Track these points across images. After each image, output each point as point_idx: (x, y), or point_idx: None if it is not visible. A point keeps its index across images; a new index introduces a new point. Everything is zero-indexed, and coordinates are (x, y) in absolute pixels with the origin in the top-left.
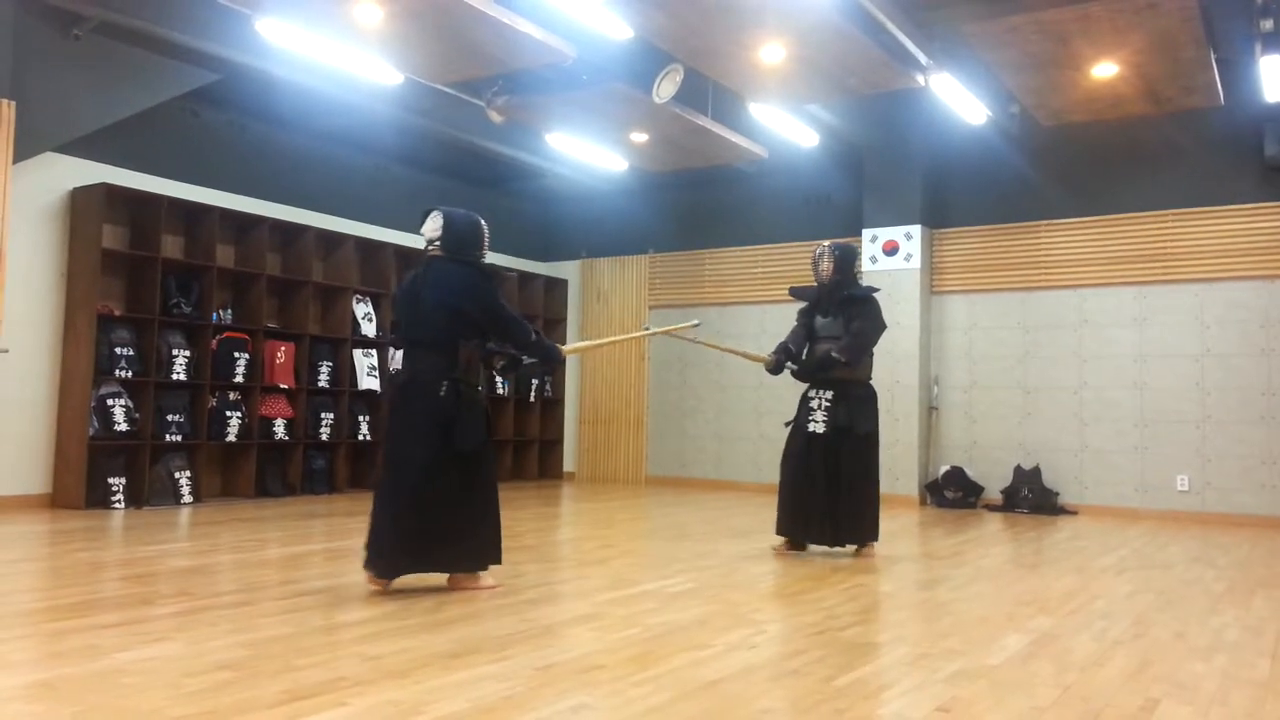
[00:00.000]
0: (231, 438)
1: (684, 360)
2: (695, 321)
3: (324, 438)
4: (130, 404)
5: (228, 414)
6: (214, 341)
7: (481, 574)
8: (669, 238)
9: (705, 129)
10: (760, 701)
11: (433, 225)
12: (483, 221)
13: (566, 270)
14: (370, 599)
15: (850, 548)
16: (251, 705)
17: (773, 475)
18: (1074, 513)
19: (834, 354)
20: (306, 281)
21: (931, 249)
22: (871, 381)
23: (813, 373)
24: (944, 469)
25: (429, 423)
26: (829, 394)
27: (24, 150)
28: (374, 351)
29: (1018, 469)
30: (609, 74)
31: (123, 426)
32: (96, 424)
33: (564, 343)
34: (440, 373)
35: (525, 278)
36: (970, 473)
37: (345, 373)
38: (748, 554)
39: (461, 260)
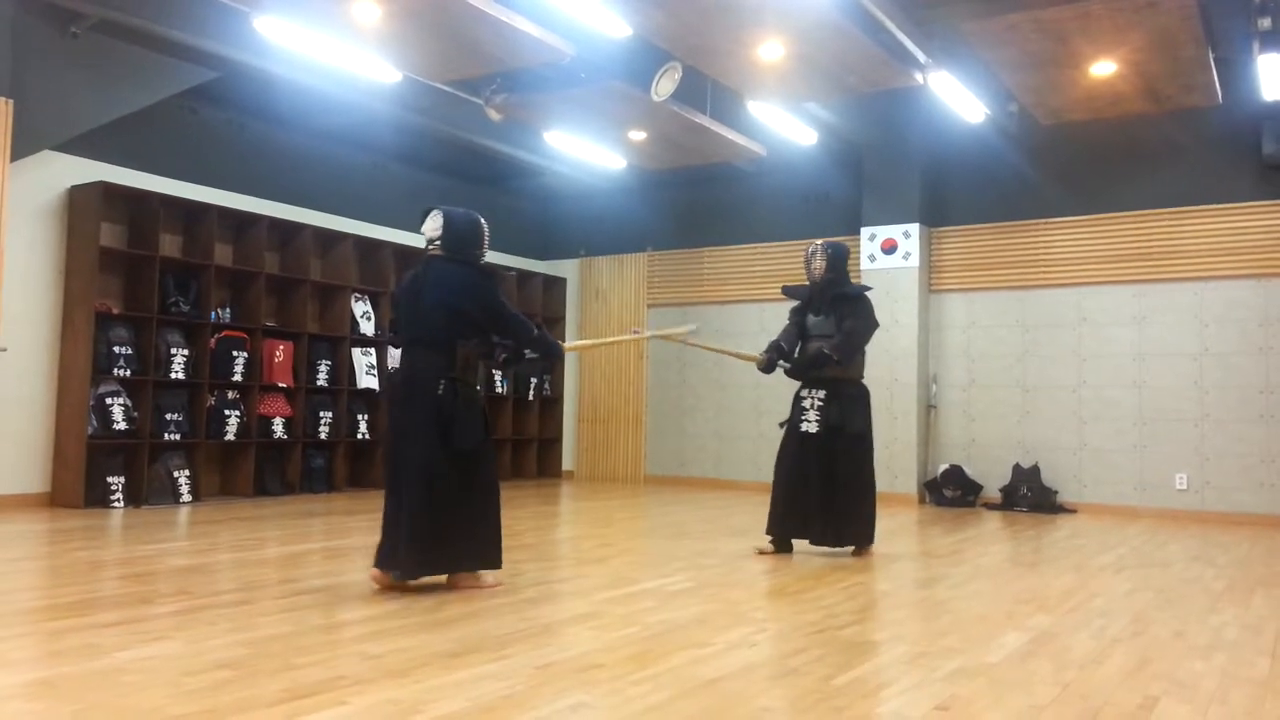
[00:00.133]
0: (230, 436)
1: (683, 359)
2: (692, 326)
3: (323, 436)
4: (129, 403)
5: (226, 413)
6: (212, 340)
7: (482, 573)
8: (668, 236)
9: (704, 127)
10: (759, 700)
11: (433, 224)
12: (483, 220)
13: (565, 268)
14: (370, 598)
15: (848, 547)
16: (251, 704)
17: (772, 475)
18: (1073, 511)
19: (825, 350)
20: (305, 280)
21: (930, 247)
22: (864, 380)
23: (804, 370)
24: (943, 467)
25: (427, 421)
26: (821, 393)
27: (22, 148)
28: (372, 350)
29: (1016, 467)
30: (607, 72)
31: (121, 425)
32: (95, 423)
33: (563, 341)
34: (438, 371)
35: (524, 276)
36: (969, 471)
37: (344, 371)
38: (747, 553)
39: (461, 260)
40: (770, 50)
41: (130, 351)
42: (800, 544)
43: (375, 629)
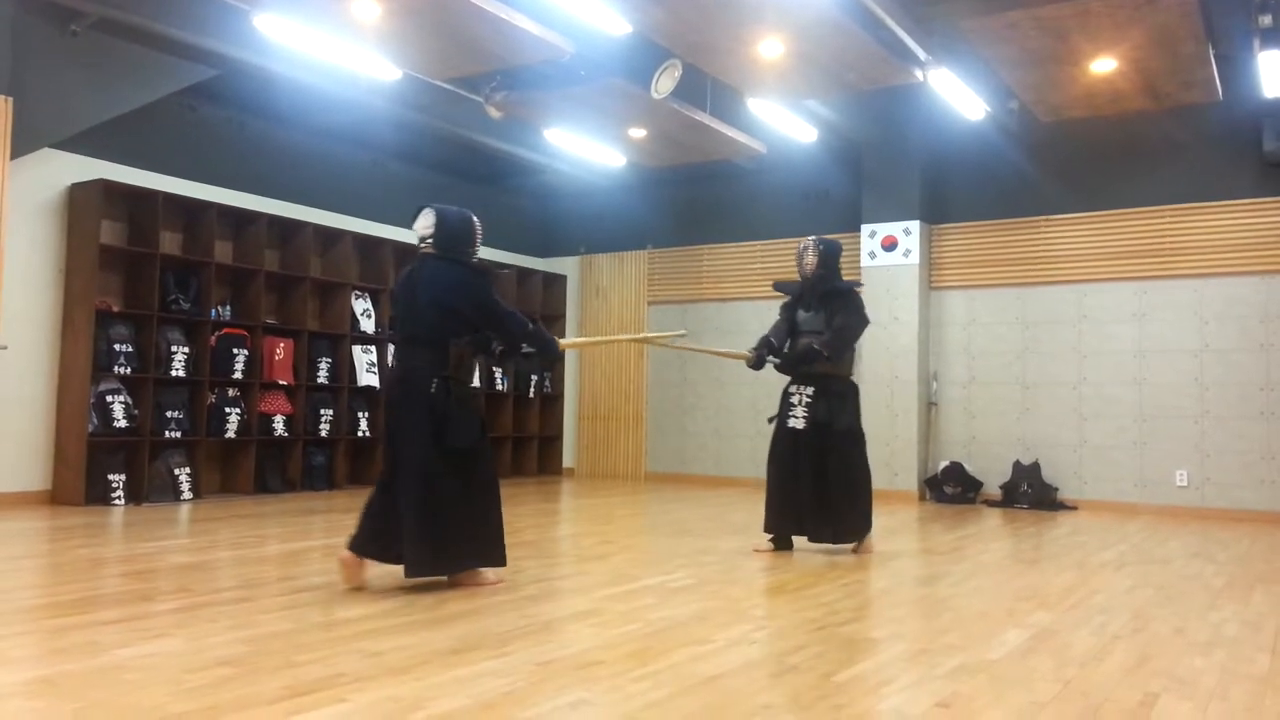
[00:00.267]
0: (231, 434)
1: (683, 357)
2: (682, 331)
3: (323, 434)
4: (129, 400)
5: (227, 410)
6: (213, 338)
7: (483, 570)
8: (668, 233)
9: (704, 124)
10: (760, 697)
11: (425, 223)
12: (475, 218)
13: (565, 266)
14: (371, 596)
15: (846, 544)
16: (252, 701)
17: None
18: (1073, 508)
19: (815, 345)
20: (305, 277)
21: (930, 244)
22: (853, 377)
23: (794, 365)
24: (943, 464)
25: (421, 420)
26: (810, 390)
27: (22, 146)
28: (373, 347)
29: (1017, 464)
30: (607, 69)
31: (122, 423)
32: (96, 420)
33: (562, 337)
34: (432, 370)
35: (524, 273)
36: (969, 468)
37: (344, 369)
38: (747, 550)
39: (454, 258)
40: (770, 48)
41: (131, 349)
42: (800, 541)
43: (376, 626)
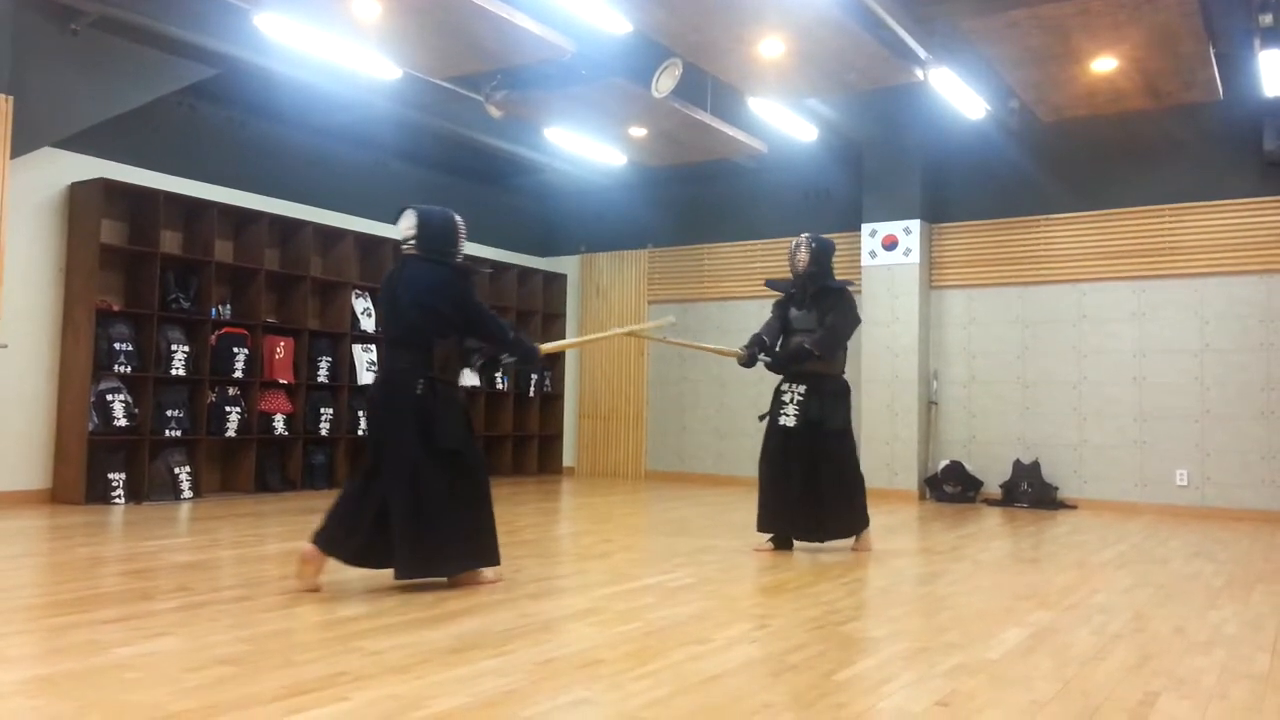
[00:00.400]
0: (231, 433)
1: (683, 355)
2: (670, 319)
3: (323, 433)
4: (129, 399)
5: (227, 409)
6: (213, 337)
7: (482, 570)
8: (668, 233)
9: (704, 124)
10: (760, 696)
11: (407, 224)
12: (458, 218)
13: (566, 265)
14: (371, 595)
15: (844, 543)
16: (252, 700)
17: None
18: (1073, 507)
19: (807, 345)
20: (305, 277)
21: (931, 244)
22: (845, 376)
23: (785, 364)
24: (943, 464)
25: (408, 421)
26: (801, 388)
27: (22, 145)
28: (373, 347)
29: (1017, 463)
30: (608, 69)
31: (122, 422)
32: (96, 419)
33: (563, 337)
34: (417, 371)
35: (524, 273)
36: (969, 467)
37: (344, 368)
38: (747, 549)
39: (436, 258)
40: (771, 47)
41: (131, 348)
42: (799, 540)
43: (376, 625)
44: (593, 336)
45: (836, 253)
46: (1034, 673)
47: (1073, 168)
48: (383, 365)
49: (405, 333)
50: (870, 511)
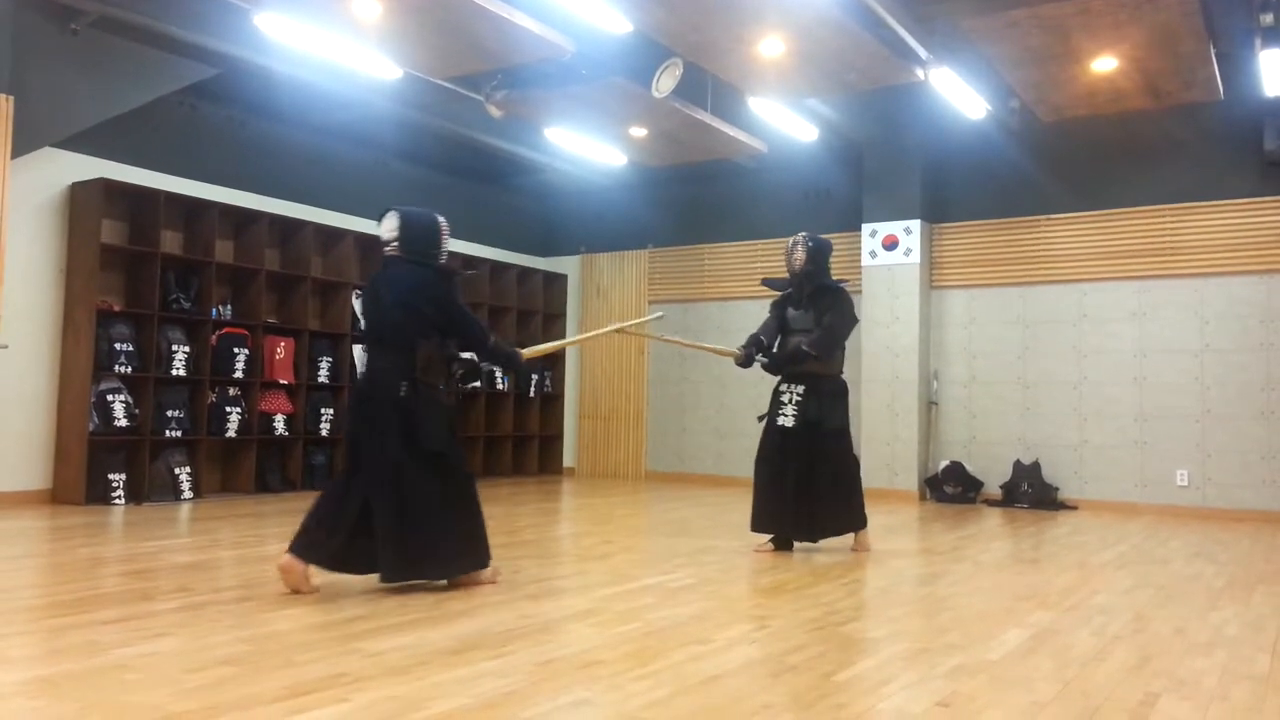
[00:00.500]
0: (231, 433)
1: (683, 355)
2: (659, 314)
3: (324, 433)
4: (130, 399)
5: (227, 409)
6: (213, 337)
7: (480, 571)
8: (668, 233)
9: (704, 123)
10: (760, 697)
11: (389, 226)
12: (441, 219)
13: (566, 265)
14: (371, 595)
15: (843, 543)
16: (253, 701)
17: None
18: (1074, 508)
19: (804, 346)
20: (305, 277)
21: (931, 244)
22: (843, 376)
23: (782, 365)
24: (943, 464)
25: (390, 423)
26: (800, 388)
27: (22, 145)
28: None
29: (1017, 464)
30: (608, 68)
31: (123, 422)
32: (96, 419)
33: (563, 337)
34: (400, 373)
35: (524, 273)
36: (970, 468)
37: (345, 368)
38: (747, 549)
39: (418, 260)
40: (771, 46)
41: (131, 348)
42: (800, 541)
43: (376, 626)
44: (579, 337)
45: (837, 252)
46: (1034, 674)
47: (1073, 168)
48: (366, 367)
49: (388, 334)
50: (870, 512)
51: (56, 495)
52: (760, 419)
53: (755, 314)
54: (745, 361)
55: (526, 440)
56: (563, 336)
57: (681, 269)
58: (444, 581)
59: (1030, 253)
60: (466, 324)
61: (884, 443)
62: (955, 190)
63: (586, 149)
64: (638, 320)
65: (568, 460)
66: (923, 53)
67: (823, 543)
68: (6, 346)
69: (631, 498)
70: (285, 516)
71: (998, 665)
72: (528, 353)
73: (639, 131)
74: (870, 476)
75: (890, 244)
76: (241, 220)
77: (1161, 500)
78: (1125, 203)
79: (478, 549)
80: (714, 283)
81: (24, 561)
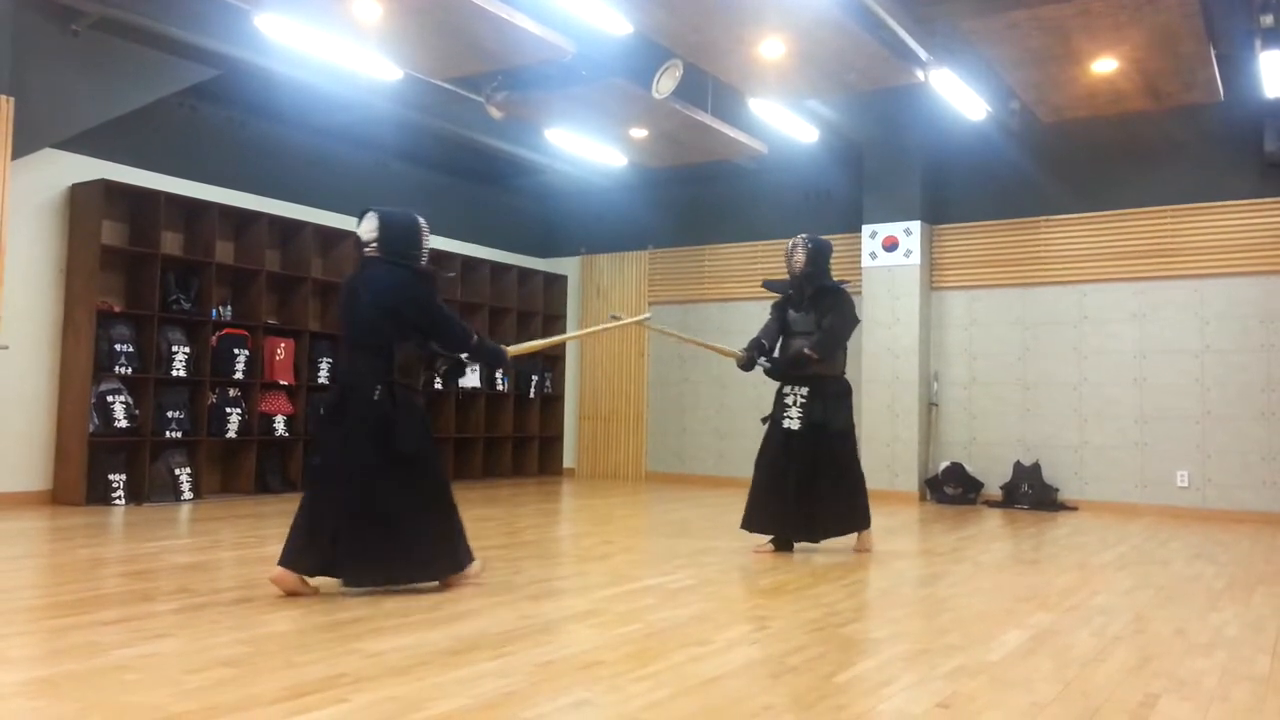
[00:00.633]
0: (231, 434)
1: (683, 356)
2: (647, 314)
3: None
4: (130, 400)
5: (228, 410)
6: (214, 338)
7: (468, 568)
8: (669, 233)
9: (705, 124)
10: (760, 698)
11: (368, 226)
12: (421, 220)
13: (566, 266)
14: (371, 596)
15: (844, 544)
16: (252, 702)
17: None
18: (1074, 509)
19: (806, 351)
20: (306, 278)
21: (931, 245)
22: (846, 376)
23: (785, 371)
24: (944, 465)
25: (363, 427)
26: (804, 390)
27: (23, 146)
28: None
29: (1017, 465)
30: (608, 70)
31: (123, 423)
32: (96, 420)
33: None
34: (376, 375)
35: (524, 273)
36: (970, 469)
37: None
38: (747, 550)
39: (397, 261)
40: (771, 48)
41: (131, 349)
42: (800, 542)
43: (376, 627)
44: (566, 336)
45: (838, 253)
46: (1034, 674)
47: (1073, 169)
48: (342, 369)
49: (364, 335)
50: (871, 513)
51: (57, 496)
52: (764, 420)
53: (755, 315)
54: (747, 365)
55: (526, 441)
56: (569, 331)
57: (682, 270)
58: (436, 582)
59: (1030, 254)
60: (448, 325)
61: (884, 444)
62: (955, 191)
63: (587, 150)
64: (629, 320)
65: (568, 461)
66: (923, 54)
67: (823, 543)
68: (7, 347)
69: (631, 499)
70: (285, 517)
71: (998, 666)
72: (514, 350)
73: (639, 132)
74: (870, 477)
75: (890, 245)
76: (242, 221)
77: (1162, 501)
78: (1125, 204)
79: (454, 552)
80: (714, 284)
81: (24, 562)
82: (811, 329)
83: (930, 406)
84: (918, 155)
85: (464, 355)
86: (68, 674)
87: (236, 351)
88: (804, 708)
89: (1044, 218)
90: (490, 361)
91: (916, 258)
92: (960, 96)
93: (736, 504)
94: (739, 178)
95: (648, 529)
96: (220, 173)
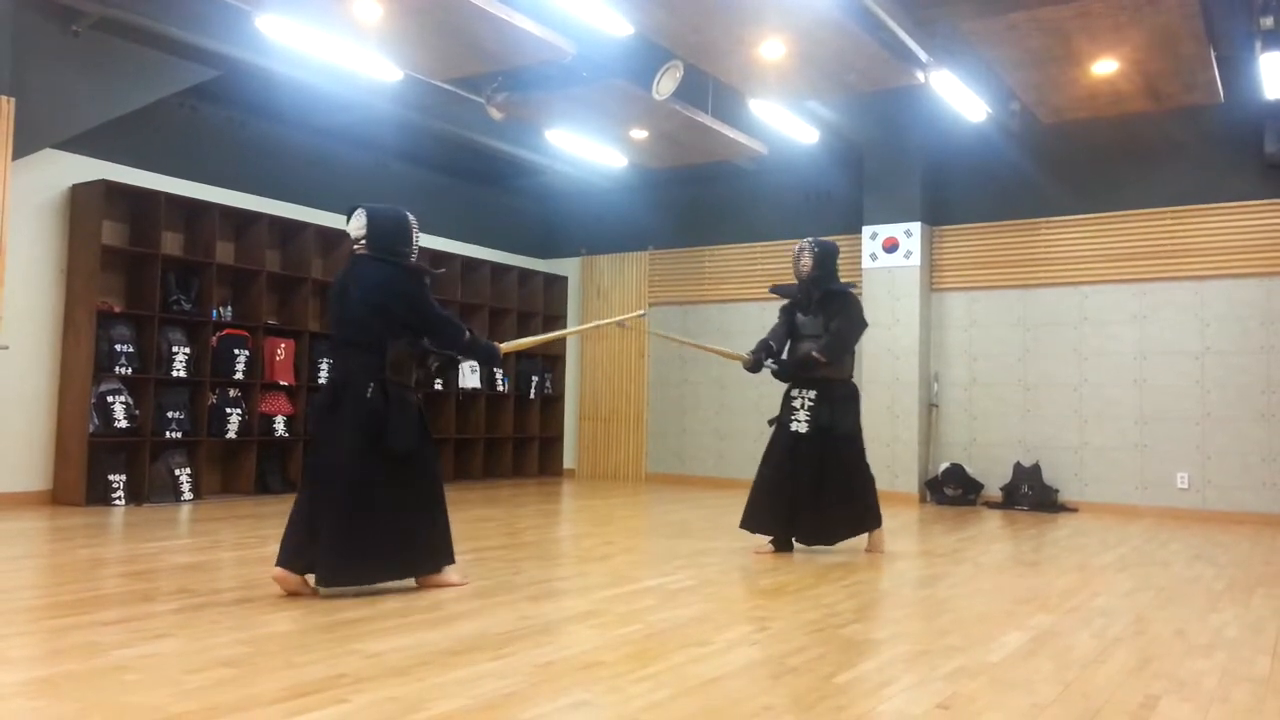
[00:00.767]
0: (231, 434)
1: (684, 357)
2: (641, 311)
3: None
4: (130, 401)
5: (228, 411)
6: (214, 338)
7: (446, 572)
8: (669, 234)
9: (705, 125)
10: (760, 699)
11: (357, 224)
12: (411, 217)
13: (566, 267)
14: (371, 596)
15: (848, 545)
16: (252, 702)
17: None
18: (1074, 510)
19: (814, 353)
20: (306, 278)
21: (931, 246)
22: (853, 379)
23: (792, 373)
24: (944, 466)
25: (356, 425)
26: (812, 393)
27: (23, 146)
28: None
29: (1017, 466)
30: (609, 70)
31: (123, 423)
32: (97, 421)
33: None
34: (369, 373)
35: (525, 274)
36: (970, 470)
37: None
38: (748, 551)
39: (385, 258)
40: (772, 49)
41: (132, 349)
42: (801, 543)
43: (376, 627)
44: (563, 332)
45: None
46: (1035, 676)
47: (1073, 170)
48: (334, 367)
49: (356, 332)
50: (882, 513)
51: (57, 496)
52: (771, 423)
53: (756, 316)
54: (754, 367)
55: (527, 442)
56: (561, 340)
57: (682, 271)
58: (414, 582)
59: (1030, 255)
60: (440, 322)
61: (884, 445)
62: (956, 192)
63: (587, 151)
64: (621, 318)
65: (568, 462)
66: (923, 55)
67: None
68: (7, 347)
69: (632, 499)
70: (285, 518)
71: (998, 667)
72: (506, 347)
73: (639, 133)
74: None
75: (890, 246)
76: (242, 221)
77: (1162, 503)
78: (1126, 205)
79: (433, 553)
80: (714, 285)
81: (24, 562)
82: (819, 332)
83: (930, 407)
84: (918, 156)
85: (456, 352)
86: (68, 674)
87: (237, 352)
88: (804, 709)
89: (1044, 219)
90: (483, 358)
91: (917, 259)
92: (960, 98)
93: (737, 505)
94: (739, 179)
95: (648, 530)
96: (220, 173)
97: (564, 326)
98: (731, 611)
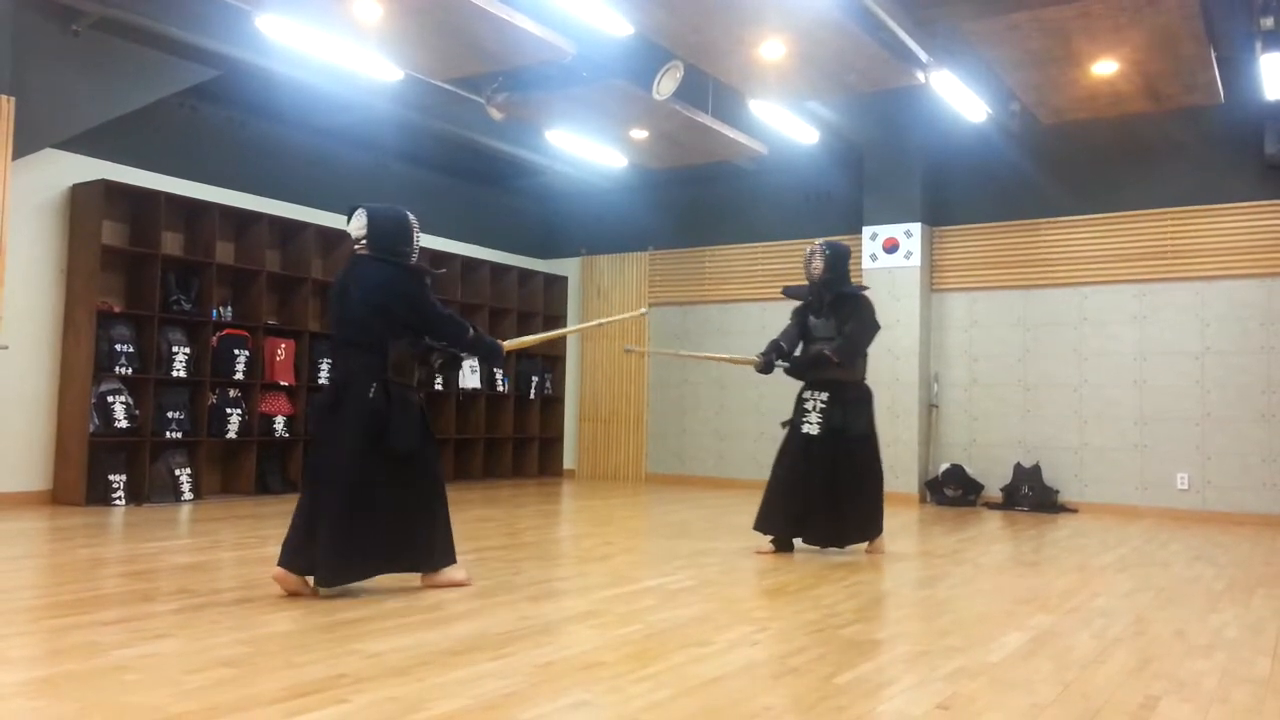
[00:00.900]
0: (232, 435)
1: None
2: (642, 310)
3: None
4: (130, 401)
5: (228, 411)
6: (214, 338)
7: (448, 570)
8: (669, 235)
9: (705, 126)
10: (761, 699)
11: (357, 224)
12: (411, 217)
13: (566, 267)
14: (371, 596)
15: (851, 547)
16: (252, 702)
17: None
18: (1074, 510)
19: (827, 353)
20: (306, 278)
21: (932, 246)
22: (866, 381)
23: (805, 371)
24: (944, 467)
25: (358, 425)
26: (824, 395)
27: (23, 146)
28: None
29: (1018, 467)
30: (609, 71)
31: (123, 423)
32: (97, 420)
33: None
34: (370, 373)
35: (525, 274)
36: (970, 470)
37: None
38: (748, 551)
39: (386, 258)
40: (772, 49)
41: (132, 349)
42: (801, 543)
43: (376, 627)
44: (566, 330)
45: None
46: (1035, 676)
47: (1074, 170)
48: (335, 367)
49: (356, 332)
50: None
51: (57, 496)
52: (784, 425)
53: (756, 316)
54: (766, 368)
55: (527, 442)
56: (562, 340)
57: (682, 271)
58: (418, 581)
59: (1031, 255)
60: (442, 320)
61: (885, 445)
62: (956, 193)
63: (587, 151)
64: (621, 316)
65: (568, 462)
66: (923, 55)
67: (828, 546)
68: (7, 347)
69: (632, 500)
70: (285, 518)
71: (998, 668)
72: (509, 345)
73: (640, 134)
74: None
75: (891, 247)
76: (242, 222)
77: (1162, 503)
78: (1126, 206)
79: (432, 551)
80: (714, 285)
81: (24, 562)
82: (832, 335)
83: (930, 408)
84: (918, 157)
85: (460, 350)
86: (68, 674)
87: (237, 352)
88: (804, 709)
89: (1044, 219)
90: (486, 355)
91: (917, 259)
92: (961, 98)
93: (737, 505)
94: (739, 179)
95: (648, 530)
96: (220, 173)
97: (564, 327)
98: (732, 612)
